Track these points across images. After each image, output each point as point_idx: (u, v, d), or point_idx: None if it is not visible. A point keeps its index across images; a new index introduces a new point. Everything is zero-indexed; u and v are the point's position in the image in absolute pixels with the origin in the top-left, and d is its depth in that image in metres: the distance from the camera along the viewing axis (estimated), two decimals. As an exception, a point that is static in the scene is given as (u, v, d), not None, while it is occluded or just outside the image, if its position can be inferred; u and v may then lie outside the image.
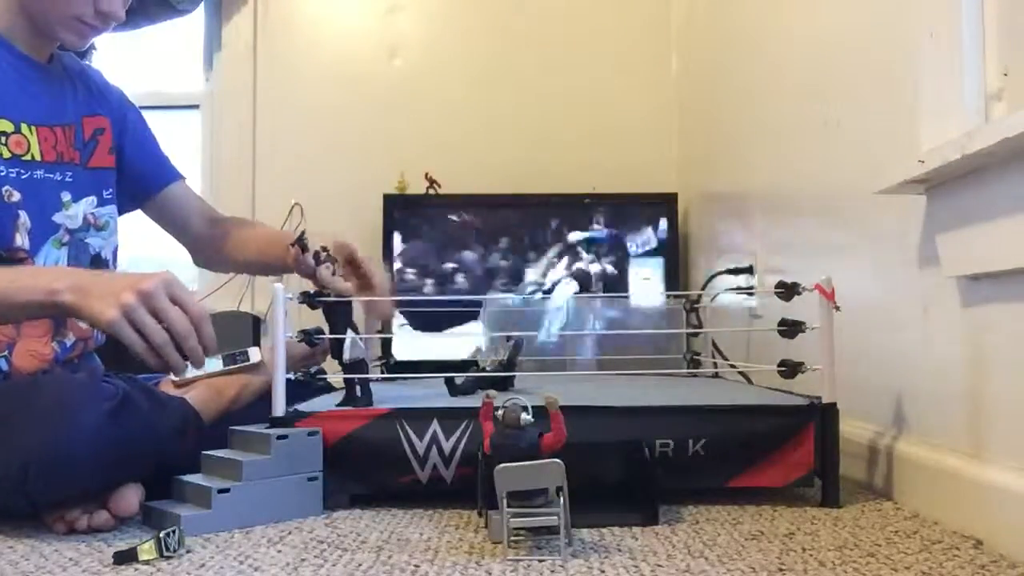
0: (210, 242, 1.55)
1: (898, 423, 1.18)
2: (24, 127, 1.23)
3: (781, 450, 1.11)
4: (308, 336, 1.24)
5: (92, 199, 1.32)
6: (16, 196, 1.21)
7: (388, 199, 2.49)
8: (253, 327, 2.44)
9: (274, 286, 1.15)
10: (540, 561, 0.86)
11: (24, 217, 1.21)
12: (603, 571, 0.83)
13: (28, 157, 1.23)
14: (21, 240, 1.21)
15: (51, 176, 1.26)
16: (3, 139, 1.20)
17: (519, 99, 2.67)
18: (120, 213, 1.43)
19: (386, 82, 2.70)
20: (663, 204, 2.43)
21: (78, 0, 1.22)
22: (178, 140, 2.81)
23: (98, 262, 1.34)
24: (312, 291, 1.24)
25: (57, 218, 1.27)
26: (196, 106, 2.78)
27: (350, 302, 1.20)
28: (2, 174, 1.19)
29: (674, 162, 2.62)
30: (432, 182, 2.52)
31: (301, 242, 1.19)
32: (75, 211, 1.29)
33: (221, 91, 2.74)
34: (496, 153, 2.63)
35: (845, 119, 1.35)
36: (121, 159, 1.41)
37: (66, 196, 1.27)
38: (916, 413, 1.14)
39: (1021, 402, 0.90)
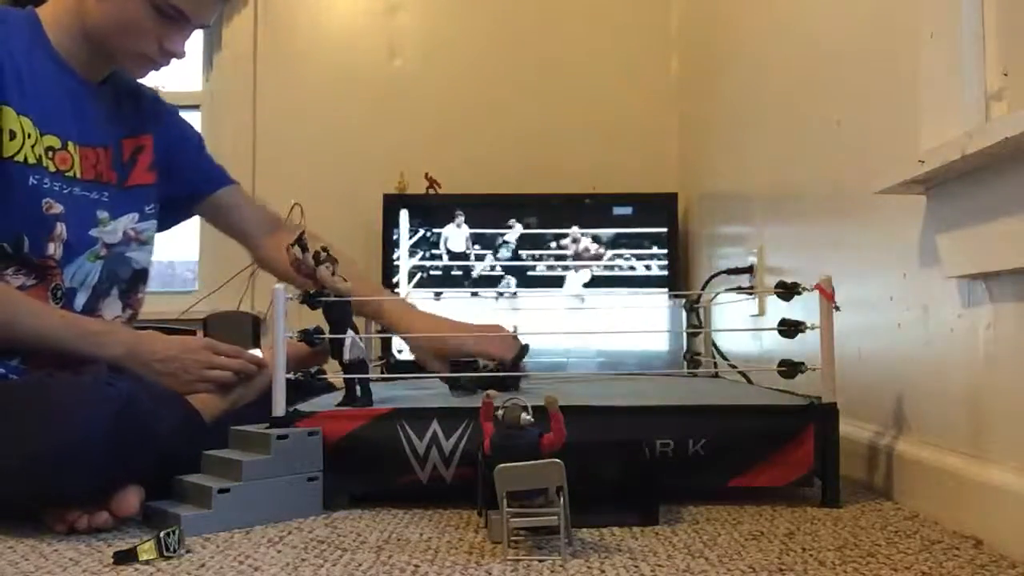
0: (276, 252, 1.52)
1: (898, 423, 1.18)
2: (70, 145, 1.27)
3: (781, 450, 1.11)
4: (308, 336, 1.24)
5: (133, 215, 1.36)
6: (57, 208, 1.24)
7: (388, 199, 2.49)
8: (253, 327, 2.45)
9: (274, 287, 1.15)
10: (540, 561, 0.86)
11: (61, 229, 1.25)
12: (603, 571, 0.83)
13: (71, 174, 1.27)
14: (54, 250, 1.24)
15: (87, 194, 1.29)
16: (50, 154, 1.24)
17: (519, 99, 2.67)
18: (168, 226, 1.48)
19: (386, 82, 2.70)
20: (663, 204, 2.43)
21: (145, 39, 1.27)
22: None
23: (139, 276, 1.38)
24: (312, 291, 1.24)
25: (94, 233, 1.30)
26: (196, 106, 2.78)
27: (349, 302, 1.21)
28: (46, 187, 1.23)
29: (674, 162, 2.62)
30: (432, 182, 2.52)
31: (301, 242, 1.19)
32: (113, 227, 1.33)
33: (221, 91, 2.74)
34: (496, 153, 2.63)
35: (845, 119, 1.35)
36: (167, 174, 1.43)
37: (103, 214, 1.31)
38: (916, 413, 1.14)
39: (1021, 402, 0.90)
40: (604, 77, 2.68)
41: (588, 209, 2.46)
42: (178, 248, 2.83)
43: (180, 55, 1.30)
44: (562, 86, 2.67)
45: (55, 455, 0.95)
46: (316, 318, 1.32)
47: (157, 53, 1.28)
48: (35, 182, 1.21)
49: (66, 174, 1.26)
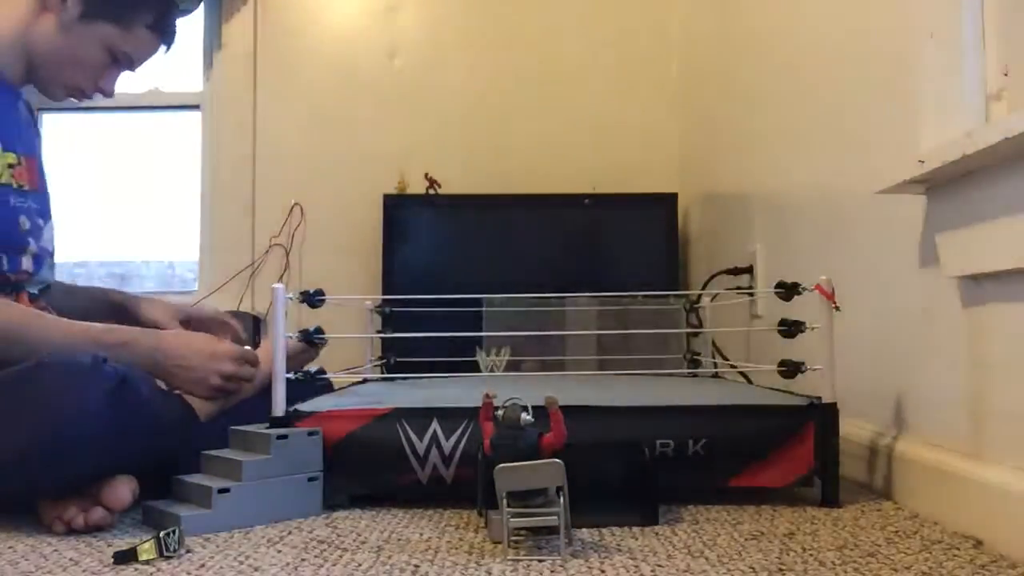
0: None
1: (898, 423, 1.18)
2: (23, 159, 1.26)
3: (781, 450, 1.11)
4: (308, 336, 1.25)
5: (51, 223, 1.36)
6: (27, 225, 1.25)
7: (388, 199, 2.49)
8: (253, 327, 2.44)
9: (274, 286, 1.16)
10: (540, 561, 0.86)
11: (32, 244, 1.26)
12: (603, 571, 0.83)
13: (26, 188, 1.26)
14: (27, 264, 1.25)
15: (35, 206, 1.29)
16: (11, 171, 1.23)
17: (519, 99, 2.67)
18: None
19: (386, 82, 2.70)
20: (663, 204, 2.43)
21: (85, 75, 1.31)
22: (178, 140, 2.82)
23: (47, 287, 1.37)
24: (312, 291, 1.25)
25: (45, 244, 1.31)
26: (196, 106, 2.78)
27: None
28: (19, 205, 1.23)
29: (674, 162, 2.62)
30: (432, 182, 2.52)
31: None
32: (49, 235, 1.33)
33: (221, 91, 2.74)
34: (496, 153, 2.63)
35: (845, 119, 1.35)
36: None
37: (41, 222, 1.31)
38: (916, 413, 1.14)
39: (1021, 402, 0.90)
40: (605, 77, 2.68)
41: (588, 209, 2.46)
42: (178, 248, 2.83)
43: (109, 95, 1.35)
44: (562, 86, 2.67)
45: (54, 436, 0.95)
46: (316, 318, 1.33)
47: (91, 88, 1.33)
48: (15, 203, 1.22)
49: (23, 189, 1.25)
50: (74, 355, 1.03)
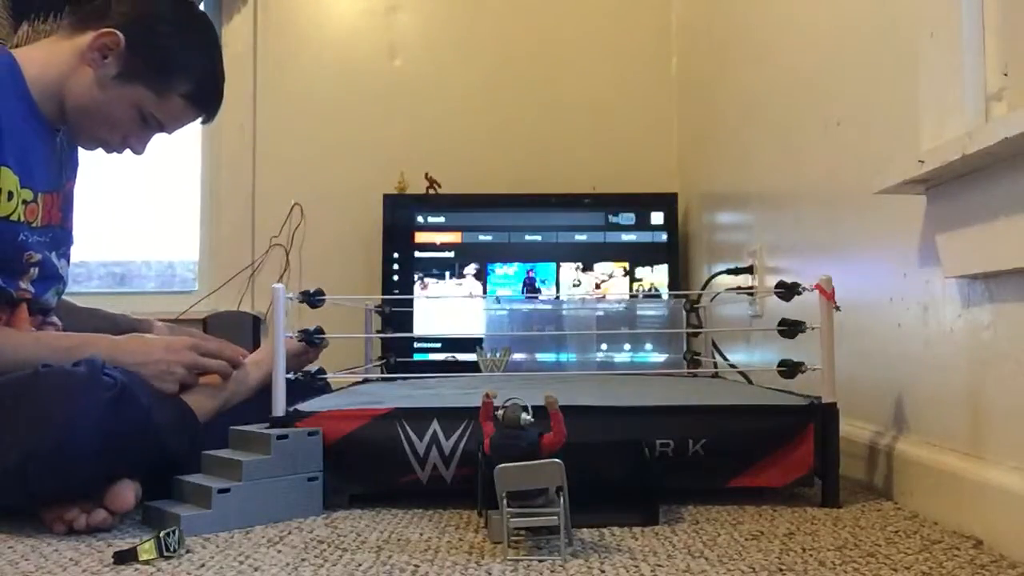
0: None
1: (898, 423, 1.18)
2: (39, 196, 1.27)
3: (781, 450, 1.11)
4: (308, 335, 1.25)
5: (64, 255, 1.37)
6: (36, 257, 1.25)
7: (388, 199, 2.49)
8: (253, 327, 2.45)
9: (274, 286, 1.16)
10: (540, 561, 0.86)
11: (34, 272, 1.26)
12: (603, 571, 0.83)
13: (35, 224, 1.27)
14: (26, 284, 1.25)
15: (42, 239, 1.29)
16: (24, 207, 1.23)
17: (519, 99, 2.67)
18: None
19: (386, 82, 2.70)
20: (663, 204, 2.43)
21: (115, 132, 1.30)
22: (178, 140, 2.82)
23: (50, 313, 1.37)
24: (312, 291, 1.25)
25: (49, 272, 1.31)
26: (196, 106, 2.77)
27: None
28: (29, 241, 1.24)
29: (674, 162, 2.62)
30: (432, 182, 2.52)
31: None
32: (62, 264, 1.34)
33: (221, 91, 2.73)
34: (496, 153, 2.63)
35: (845, 119, 1.35)
36: None
37: (52, 255, 1.32)
38: (916, 413, 1.14)
39: (1021, 402, 0.90)
40: (604, 77, 2.68)
41: (588, 209, 2.46)
42: (178, 248, 2.83)
43: (139, 154, 1.34)
44: (562, 86, 2.67)
45: (52, 447, 0.95)
46: (316, 318, 1.33)
47: (119, 145, 1.32)
48: (23, 238, 1.22)
49: (32, 224, 1.25)
50: (70, 365, 1.03)
